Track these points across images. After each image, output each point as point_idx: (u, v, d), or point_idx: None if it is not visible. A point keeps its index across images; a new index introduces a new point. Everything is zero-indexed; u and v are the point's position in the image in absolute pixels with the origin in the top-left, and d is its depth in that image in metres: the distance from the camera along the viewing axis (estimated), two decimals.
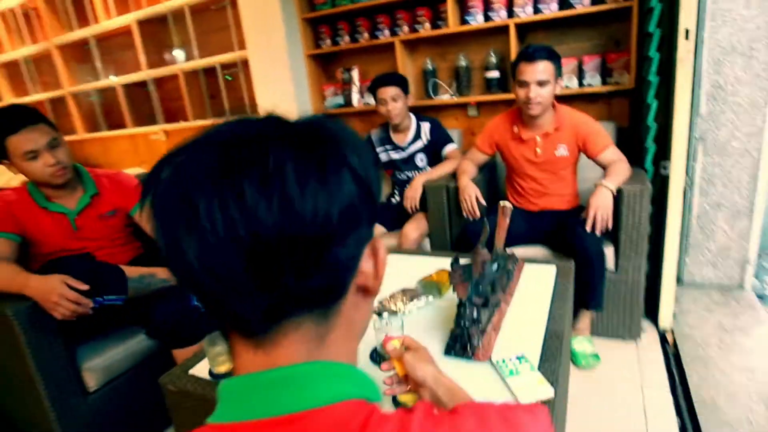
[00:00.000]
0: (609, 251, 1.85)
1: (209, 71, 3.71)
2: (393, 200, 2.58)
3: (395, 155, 2.50)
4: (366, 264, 0.40)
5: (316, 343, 0.39)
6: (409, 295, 1.39)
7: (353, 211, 0.36)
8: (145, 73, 3.91)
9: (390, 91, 2.28)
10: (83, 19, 4.16)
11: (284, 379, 0.37)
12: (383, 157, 2.53)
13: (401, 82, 2.31)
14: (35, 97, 4.93)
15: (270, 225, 0.32)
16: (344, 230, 0.36)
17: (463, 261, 1.04)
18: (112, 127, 4.62)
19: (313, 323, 0.38)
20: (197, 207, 0.32)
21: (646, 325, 2.06)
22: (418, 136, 2.44)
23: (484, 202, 2.00)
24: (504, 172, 2.23)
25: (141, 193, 0.36)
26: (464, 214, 2.03)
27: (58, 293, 1.36)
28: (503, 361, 1.03)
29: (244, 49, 3.13)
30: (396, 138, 2.48)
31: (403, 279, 1.51)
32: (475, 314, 1.08)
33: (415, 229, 2.25)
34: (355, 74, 2.99)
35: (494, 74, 2.55)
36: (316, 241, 0.34)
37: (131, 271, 1.60)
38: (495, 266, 1.16)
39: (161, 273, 1.66)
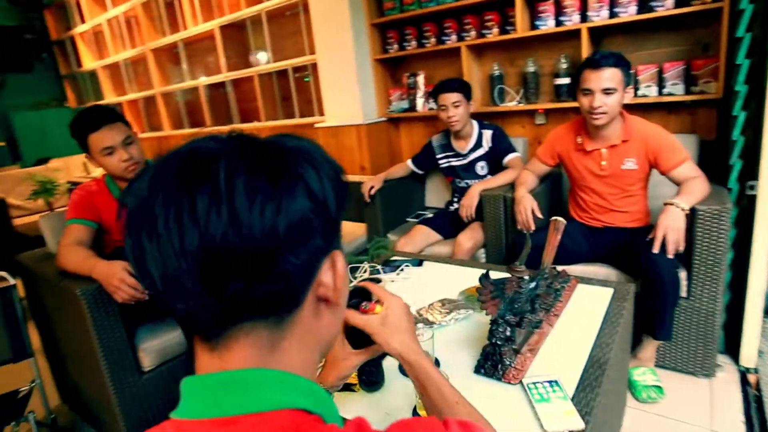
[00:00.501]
0: (681, 276, 1.68)
1: (282, 74, 3.86)
2: (451, 207, 2.53)
3: (455, 162, 2.45)
4: (325, 275, 0.42)
5: (269, 349, 0.40)
6: (449, 306, 1.35)
7: (305, 224, 0.37)
8: (224, 76, 4.16)
9: (451, 97, 2.24)
10: (174, 25, 4.50)
11: (230, 382, 0.38)
12: (443, 163, 2.50)
13: (463, 88, 2.27)
14: (131, 96, 5.42)
15: (218, 235, 0.34)
16: (294, 242, 0.37)
17: (497, 276, 0.99)
18: (194, 125, 4.95)
19: (266, 330, 0.39)
20: (157, 217, 0.35)
21: (725, 361, 1.85)
22: (479, 143, 2.37)
23: (540, 215, 1.90)
24: (568, 184, 2.10)
25: (119, 204, 0.39)
26: (519, 226, 1.94)
27: (119, 278, 1.47)
28: (534, 385, 0.97)
29: (314, 53, 3.23)
30: (457, 145, 2.43)
31: (447, 289, 1.47)
32: (508, 333, 1.02)
33: (469, 238, 2.19)
34: (421, 79, 2.97)
35: (564, 81, 2.42)
36: (263, 252, 0.36)
37: None
38: (534, 284, 1.09)
39: None
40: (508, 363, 1.02)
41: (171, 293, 0.37)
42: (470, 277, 1.53)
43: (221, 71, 4.17)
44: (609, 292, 1.39)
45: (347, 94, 3.06)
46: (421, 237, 2.37)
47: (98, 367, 1.58)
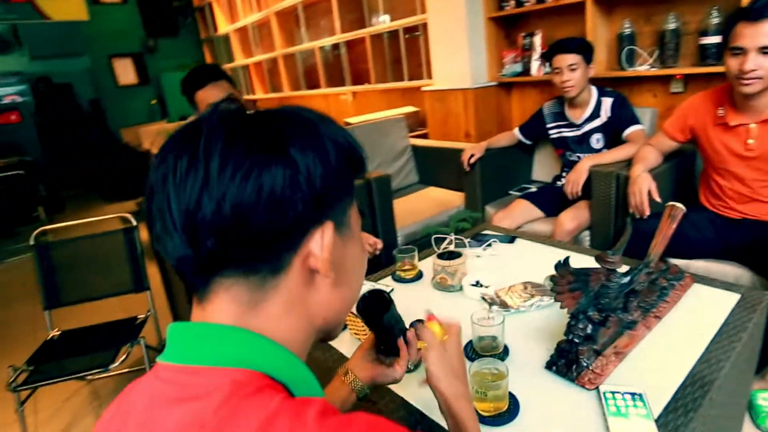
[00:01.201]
0: None
1: (393, 36, 3.80)
2: (558, 183, 2.31)
3: (568, 133, 2.21)
4: (315, 245, 0.42)
5: (248, 307, 0.42)
6: (532, 291, 1.24)
7: (279, 194, 0.39)
8: (338, 37, 4.21)
9: (567, 59, 2.00)
10: None
11: (202, 334, 0.41)
12: (554, 134, 2.27)
13: (583, 49, 2.00)
14: (257, 57, 5.77)
15: (194, 197, 0.38)
16: (266, 210, 0.39)
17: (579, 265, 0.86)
18: (310, 87, 5.14)
19: (246, 288, 0.41)
20: (155, 179, 0.41)
21: None
22: (596, 113, 2.10)
23: (658, 199, 1.63)
24: (702, 165, 1.78)
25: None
26: (630, 209, 1.70)
27: None
28: (613, 394, 0.84)
29: (425, 12, 3.10)
30: (571, 114, 2.18)
31: (535, 272, 1.35)
32: (588, 330, 0.90)
33: (572, 218, 1.99)
34: (537, 39, 2.71)
35: (713, 40, 2.02)
36: (234, 216, 0.38)
37: None
38: (627, 278, 0.93)
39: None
40: (585, 365, 0.90)
41: (165, 244, 0.41)
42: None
43: (336, 33, 4.23)
44: (734, 297, 1.16)
45: (456, 56, 2.91)
46: (520, 212, 2.21)
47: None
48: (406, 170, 2.92)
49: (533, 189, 2.42)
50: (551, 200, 2.21)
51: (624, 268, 1.02)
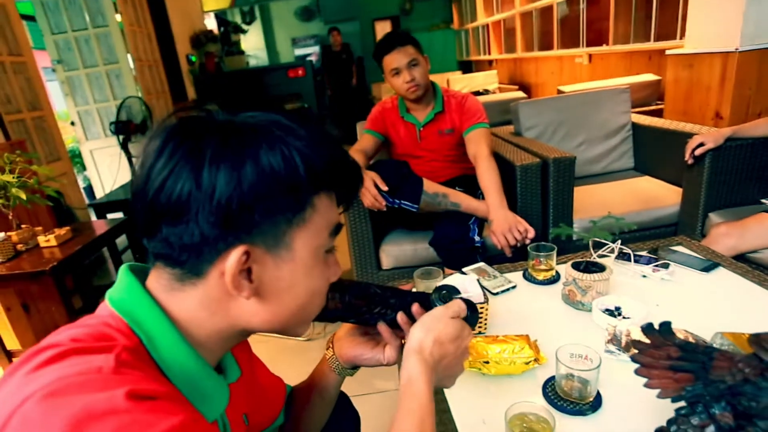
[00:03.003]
0: None
1: None
2: None
3: None
4: (229, 264, 0.42)
5: (163, 289, 0.45)
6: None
7: (182, 206, 0.40)
8: None
9: None
10: None
11: (122, 285, 0.47)
12: None
13: None
14: (497, 16, 5.54)
15: (139, 186, 0.42)
16: (170, 218, 0.41)
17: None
18: (543, 48, 4.70)
19: (167, 275, 0.45)
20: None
21: None
22: None
23: None
24: None
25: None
26: None
27: (365, 186, 1.63)
28: None
29: None
30: None
31: (716, 320, 0.97)
32: None
33: None
34: None
35: None
36: (149, 213, 0.42)
37: (431, 187, 1.70)
38: None
39: (453, 196, 1.70)
40: None
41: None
42: None
43: None
44: None
45: (725, 5, 2.18)
46: (759, 231, 1.58)
47: (349, 257, 1.86)
48: (619, 152, 2.42)
49: None
50: None
51: None
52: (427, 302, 0.65)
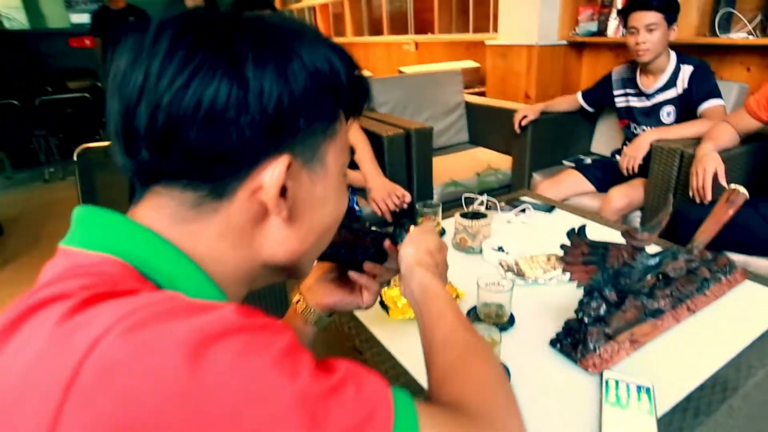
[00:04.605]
0: None
1: None
2: (616, 157, 2.12)
3: (636, 103, 2.00)
4: (266, 178, 0.37)
5: (169, 221, 0.38)
6: (555, 264, 1.14)
7: (221, 114, 0.34)
8: None
9: (646, 17, 1.76)
10: None
11: (96, 220, 0.38)
12: (620, 102, 2.06)
13: (666, 7, 1.76)
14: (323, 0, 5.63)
15: (132, 104, 0.35)
16: (200, 124, 0.34)
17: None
18: (372, 33, 4.98)
19: (176, 202, 0.38)
20: (110, 77, 0.38)
21: None
22: (672, 82, 1.88)
23: (725, 183, 1.45)
24: None
25: None
26: (691, 192, 1.52)
27: None
28: (616, 382, 0.76)
29: None
30: (642, 81, 1.96)
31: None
32: (602, 311, 0.81)
33: (623, 195, 1.82)
34: None
35: None
36: (165, 124, 0.34)
37: None
38: (656, 260, 0.82)
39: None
40: (591, 347, 0.82)
41: (114, 148, 0.38)
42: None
43: None
44: None
45: (526, 8, 2.68)
46: (568, 183, 2.06)
47: None
48: (457, 127, 2.79)
49: (588, 161, 2.24)
50: (605, 174, 2.04)
51: (656, 250, 0.91)
52: (393, 238, 0.72)
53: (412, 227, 0.69)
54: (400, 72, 3.03)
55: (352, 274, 0.67)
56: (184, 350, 0.27)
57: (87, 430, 0.26)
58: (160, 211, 0.38)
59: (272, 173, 0.37)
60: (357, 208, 1.81)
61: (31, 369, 0.28)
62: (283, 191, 0.39)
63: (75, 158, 1.92)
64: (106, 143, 2.23)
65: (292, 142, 0.38)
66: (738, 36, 2.01)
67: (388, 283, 0.93)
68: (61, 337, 0.28)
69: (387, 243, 0.68)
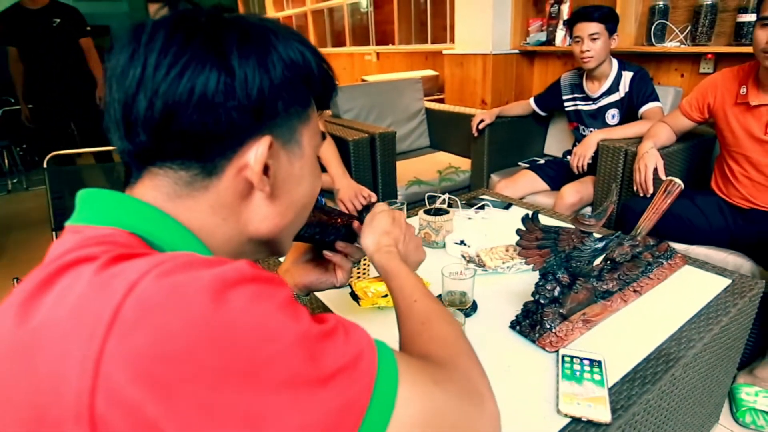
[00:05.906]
0: None
1: None
2: (567, 157, 2.24)
3: (583, 106, 2.13)
4: (251, 156, 0.42)
5: (166, 198, 0.42)
6: (514, 254, 1.21)
7: (208, 97, 0.39)
8: None
9: (589, 28, 1.89)
10: None
11: (100, 198, 0.42)
12: (569, 106, 2.19)
13: (607, 18, 1.89)
14: (288, 12, 5.67)
15: (131, 94, 0.39)
16: (194, 110, 0.38)
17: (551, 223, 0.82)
18: (336, 45, 5.04)
19: (172, 181, 0.42)
20: (108, 70, 0.42)
21: None
22: (615, 87, 2.01)
23: (664, 177, 1.56)
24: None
25: None
26: (635, 187, 1.63)
27: None
28: (571, 359, 0.82)
29: None
30: (588, 86, 2.09)
31: None
32: (556, 293, 0.87)
33: (575, 192, 1.93)
34: (565, 8, 2.58)
35: (752, 18, 1.88)
36: (162, 111, 0.39)
37: None
38: (602, 244, 0.89)
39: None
40: (548, 327, 0.88)
41: (111, 136, 0.42)
42: None
43: None
44: (724, 282, 1.11)
45: (480, 20, 2.80)
46: (524, 183, 2.16)
47: None
48: (418, 132, 2.86)
49: (541, 161, 2.35)
50: (557, 174, 2.16)
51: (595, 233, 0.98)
52: (361, 220, 0.74)
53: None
54: (364, 80, 3.08)
55: (327, 253, 0.71)
56: (209, 292, 0.32)
57: (128, 358, 0.29)
58: (158, 190, 0.42)
59: (256, 152, 0.42)
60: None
61: (75, 309, 0.32)
62: (265, 169, 0.43)
63: (45, 165, 1.86)
64: (74, 150, 2.16)
65: (273, 125, 0.43)
66: (671, 44, 2.17)
67: (358, 263, 0.96)
68: (101, 283, 0.33)
69: (356, 224, 0.72)
